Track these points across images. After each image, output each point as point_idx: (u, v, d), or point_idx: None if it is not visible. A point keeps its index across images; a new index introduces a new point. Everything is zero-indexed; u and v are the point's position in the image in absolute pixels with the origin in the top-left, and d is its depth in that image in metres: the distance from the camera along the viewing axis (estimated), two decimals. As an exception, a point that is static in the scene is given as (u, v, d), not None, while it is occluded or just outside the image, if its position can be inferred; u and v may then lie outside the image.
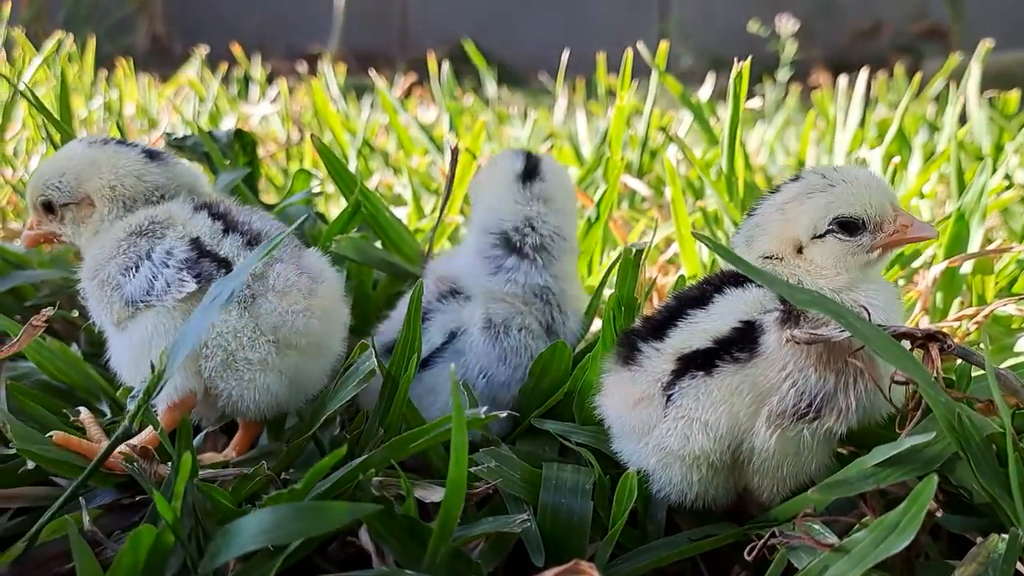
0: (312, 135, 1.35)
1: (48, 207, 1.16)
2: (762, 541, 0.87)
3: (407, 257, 1.49)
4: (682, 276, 1.24)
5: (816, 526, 0.85)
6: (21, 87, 1.92)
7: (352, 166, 2.52)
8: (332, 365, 1.17)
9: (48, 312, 0.99)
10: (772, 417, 0.90)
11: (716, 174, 2.23)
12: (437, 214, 1.53)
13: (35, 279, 1.56)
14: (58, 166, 1.15)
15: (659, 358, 0.94)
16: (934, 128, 2.92)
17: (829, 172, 1.00)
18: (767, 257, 1.01)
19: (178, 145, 1.70)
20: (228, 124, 3.07)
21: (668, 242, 2.01)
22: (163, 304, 1.05)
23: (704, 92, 2.96)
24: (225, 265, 1.07)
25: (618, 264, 1.17)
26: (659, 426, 0.95)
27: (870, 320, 0.88)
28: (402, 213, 2.18)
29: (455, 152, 1.36)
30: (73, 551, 0.77)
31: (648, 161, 2.46)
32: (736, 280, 0.96)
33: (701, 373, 0.91)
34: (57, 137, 1.88)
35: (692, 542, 0.97)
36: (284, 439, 1.20)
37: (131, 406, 0.88)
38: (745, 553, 0.88)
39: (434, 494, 0.94)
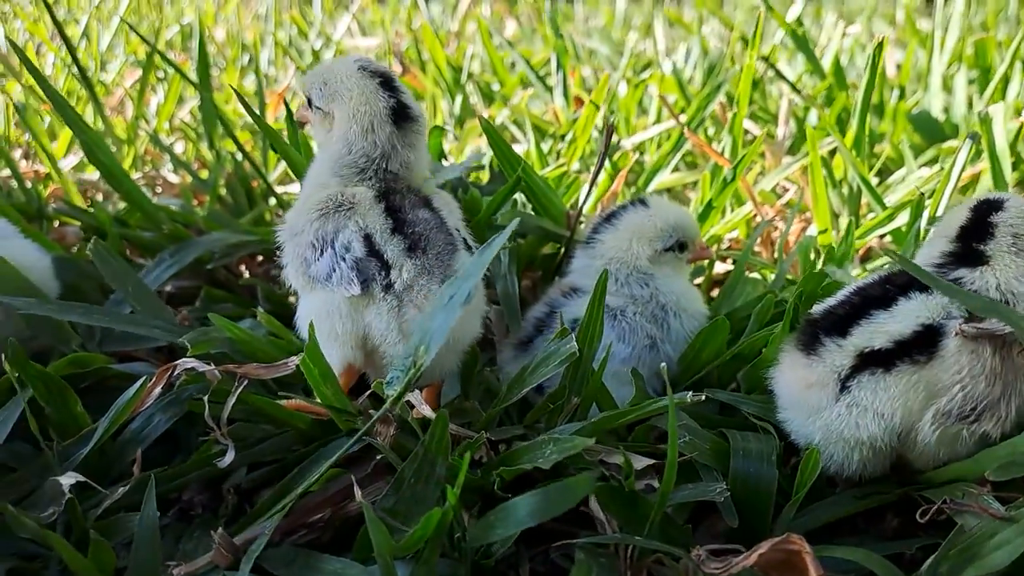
0: (481, 117, 1.45)
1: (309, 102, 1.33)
2: (934, 507, 1.01)
3: (554, 220, 1.61)
4: (817, 246, 1.33)
5: (985, 496, 0.99)
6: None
7: (457, 103, 2.61)
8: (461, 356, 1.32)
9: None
10: (938, 416, 1.03)
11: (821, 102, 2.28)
12: (585, 181, 1.62)
13: (212, 244, 1.70)
14: (321, 73, 1.32)
15: (839, 353, 1.06)
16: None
17: None
18: None
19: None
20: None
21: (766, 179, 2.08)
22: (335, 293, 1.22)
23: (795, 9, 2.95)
24: (385, 268, 1.20)
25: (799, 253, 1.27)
26: (829, 410, 1.07)
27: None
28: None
29: (610, 129, 1.45)
30: (368, 523, 0.92)
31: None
32: (922, 284, 1.06)
33: (880, 370, 1.04)
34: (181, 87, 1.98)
35: (857, 500, 1.12)
36: (475, 398, 1.35)
37: (389, 391, 1.04)
38: (918, 515, 1.02)
39: (639, 463, 1.09)
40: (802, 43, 2.30)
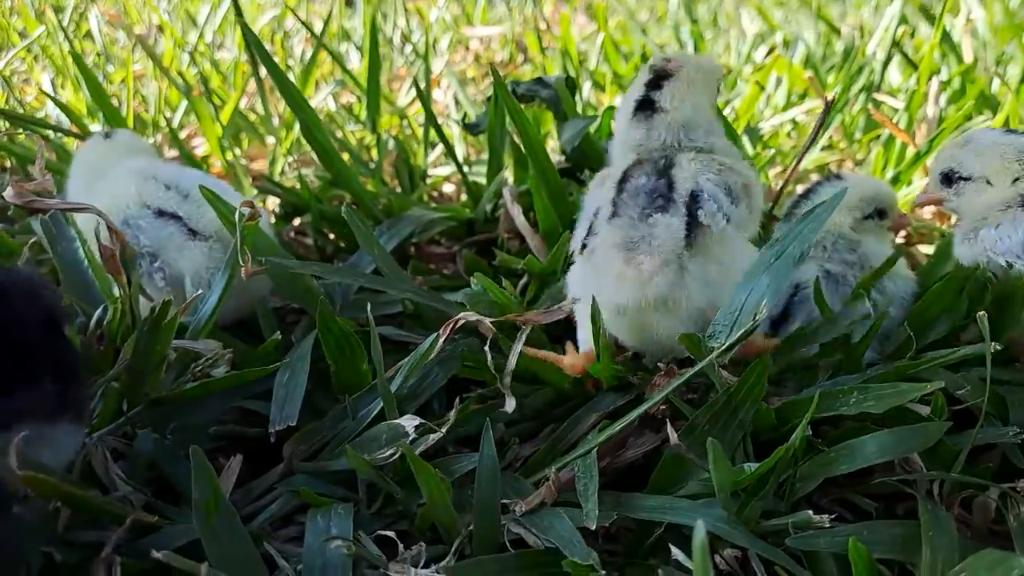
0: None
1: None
2: None
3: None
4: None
5: None
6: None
7: (586, 91, 2.68)
8: None
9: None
10: None
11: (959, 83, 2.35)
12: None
13: (417, 221, 1.77)
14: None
15: None
16: None
17: None
18: None
19: (514, 91, 1.86)
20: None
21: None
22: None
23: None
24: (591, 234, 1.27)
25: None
26: None
27: None
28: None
29: (828, 104, 1.52)
30: (712, 459, 0.97)
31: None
32: None
33: None
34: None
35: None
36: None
37: (713, 343, 1.12)
38: None
39: (925, 408, 1.15)
40: (938, 25, 2.36)
